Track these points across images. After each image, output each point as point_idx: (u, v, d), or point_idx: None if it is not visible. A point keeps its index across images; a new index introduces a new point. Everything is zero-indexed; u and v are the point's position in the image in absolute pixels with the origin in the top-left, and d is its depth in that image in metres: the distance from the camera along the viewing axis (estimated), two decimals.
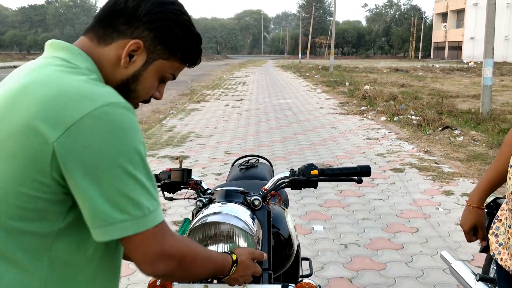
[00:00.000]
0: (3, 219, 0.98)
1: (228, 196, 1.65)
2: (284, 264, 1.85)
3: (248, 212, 1.59)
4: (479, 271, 2.37)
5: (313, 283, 1.61)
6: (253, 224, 1.55)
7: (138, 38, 1.10)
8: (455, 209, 4.84)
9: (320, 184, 1.78)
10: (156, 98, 1.21)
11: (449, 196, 5.25)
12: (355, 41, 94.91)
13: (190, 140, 8.70)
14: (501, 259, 1.63)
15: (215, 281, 1.56)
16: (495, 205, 1.96)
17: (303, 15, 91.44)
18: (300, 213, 4.74)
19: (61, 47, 1.10)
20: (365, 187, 5.52)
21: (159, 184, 1.81)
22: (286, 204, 2.32)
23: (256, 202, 1.63)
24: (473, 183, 5.65)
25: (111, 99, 0.99)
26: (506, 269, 1.60)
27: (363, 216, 4.68)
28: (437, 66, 40.10)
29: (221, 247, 1.53)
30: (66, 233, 1.01)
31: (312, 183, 1.71)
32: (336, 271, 3.53)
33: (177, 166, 1.97)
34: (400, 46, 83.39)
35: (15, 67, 21.90)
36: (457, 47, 60.14)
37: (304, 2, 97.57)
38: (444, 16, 66.34)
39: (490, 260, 2.39)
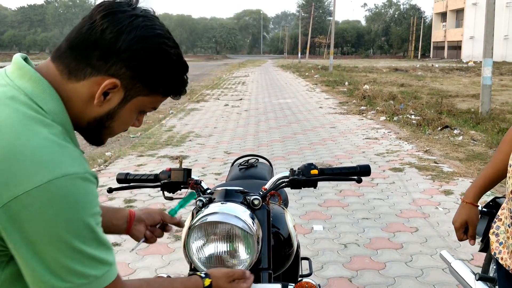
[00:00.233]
0: None
1: (228, 196, 1.65)
2: (284, 264, 1.85)
3: (248, 212, 1.59)
4: (479, 270, 2.37)
5: (313, 282, 1.62)
6: (253, 224, 1.55)
7: (115, 76, 0.98)
8: (455, 208, 4.83)
9: (319, 183, 1.78)
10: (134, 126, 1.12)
11: (448, 196, 5.25)
12: (354, 41, 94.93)
13: (190, 140, 8.70)
14: (502, 258, 1.63)
15: None
16: (494, 205, 1.97)
17: (303, 14, 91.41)
18: (299, 213, 4.74)
19: (28, 75, 0.97)
20: (365, 187, 5.52)
21: (159, 184, 1.81)
22: (285, 203, 2.32)
23: (256, 202, 1.63)
24: (472, 182, 5.65)
25: (69, 169, 0.89)
26: (506, 268, 1.60)
27: (362, 215, 4.69)
28: (437, 65, 40.11)
29: (221, 247, 1.53)
30: (8, 284, 0.96)
31: (311, 183, 1.71)
32: (336, 271, 3.54)
33: (176, 165, 1.97)
34: (400, 46, 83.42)
35: None
36: (456, 47, 60.16)
37: (304, 2, 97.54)
38: (443, 15, 66.36)
39: (489, 259, 2.39)
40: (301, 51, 61.53)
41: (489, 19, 10.82)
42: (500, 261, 1.64)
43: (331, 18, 53.53)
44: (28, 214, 0.86)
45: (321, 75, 27.55)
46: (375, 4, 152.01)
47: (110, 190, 1.84)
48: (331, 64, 33.19)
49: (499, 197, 2.00)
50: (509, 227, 1.57)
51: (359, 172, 1.73)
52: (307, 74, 30.10)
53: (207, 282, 1.25)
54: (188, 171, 1.81)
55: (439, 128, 9.26)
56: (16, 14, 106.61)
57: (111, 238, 4.12)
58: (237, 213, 1.53)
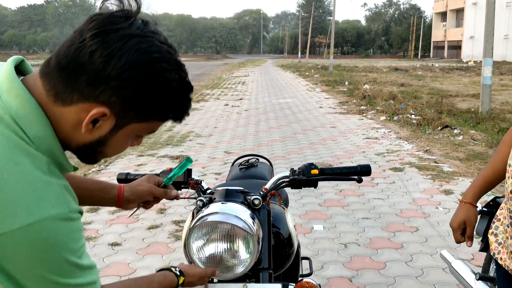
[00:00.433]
0: None
1: (228, 196, 1.65)
2: (284, 264, 1.85)
3: (248, 212, 1.59)
4: (479, 270, 2.37)
5: (313, 282, 1.61)
6: (253, 224, 1.55)
7: (104, 104, 0.88)
8: (455, 208, 4.82)
9: (320, 183, 1.78)
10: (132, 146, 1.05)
11: (448, 195, 5.25)
12: (354, 41, 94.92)
13: (190, 140, 8.70)
14: (501, 259, 1.63)
15: (215, 280, 1.56)
16: (494, 205, 1.96)
17: (303, 14, 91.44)
18: (300, 213, 4.74)
19: (15, 92, 0.88)
20: (365, 187, 5.52)
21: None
22: (286, 203, 2.32)
23: (256, 202, 1.63)
24: (471, 183, 5.65)
25: (50, 211, 0.85)
26: (506, 268, 1.60)
27: (363, 215, 4.69)
28: (437, 65, 40.11)
29: (221, 247, 1.53)
30: None
31: (312, 183, 1.71)
32: (336, 271, 3.54)
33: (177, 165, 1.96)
34: (400, 46, 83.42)
35: None
36: (456, 47, 60.15)
37: (304, 2, 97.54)
38: (443, 15, 66.36)
39: (489, 259, 2.39)
40: (301, 51, 61.54)
41: (489, 19, 10.82)
42: (499, 261, 1.63)
43: (331, 17, 53.56)
44: (10, 253, 0.84)
45: (321, 75, 27.55)
46: (375, 4, 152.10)
47: None
48: (331, 63, 33.19)
49: (499, 197, 1.99)
50: (508, 227, 1.57)
51: (360, 172, 1.73)
52: (307, 73, 30.09)
53: (181, 279, 1.29)
54: (188, 171, 1.81)
55: (439, 127, 9.26)
56: (16, 14, 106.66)
57: (111, 237, 4.13)
58: (237, 213, 1.53)
